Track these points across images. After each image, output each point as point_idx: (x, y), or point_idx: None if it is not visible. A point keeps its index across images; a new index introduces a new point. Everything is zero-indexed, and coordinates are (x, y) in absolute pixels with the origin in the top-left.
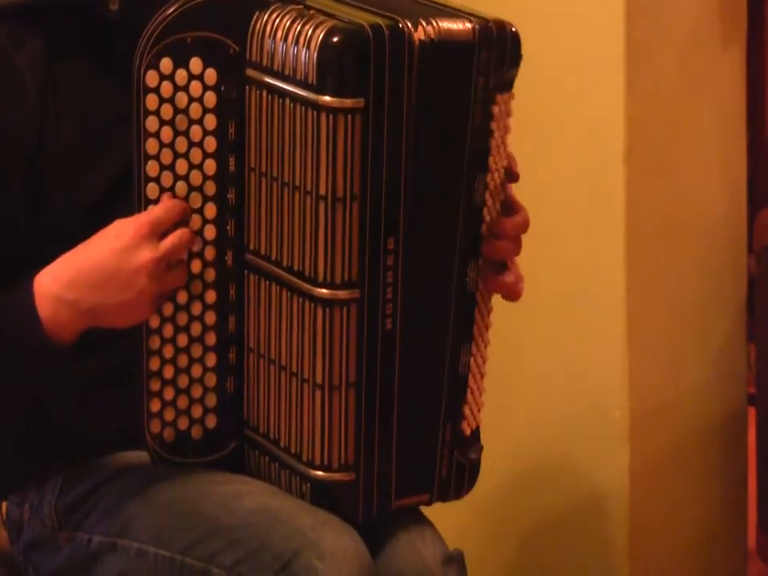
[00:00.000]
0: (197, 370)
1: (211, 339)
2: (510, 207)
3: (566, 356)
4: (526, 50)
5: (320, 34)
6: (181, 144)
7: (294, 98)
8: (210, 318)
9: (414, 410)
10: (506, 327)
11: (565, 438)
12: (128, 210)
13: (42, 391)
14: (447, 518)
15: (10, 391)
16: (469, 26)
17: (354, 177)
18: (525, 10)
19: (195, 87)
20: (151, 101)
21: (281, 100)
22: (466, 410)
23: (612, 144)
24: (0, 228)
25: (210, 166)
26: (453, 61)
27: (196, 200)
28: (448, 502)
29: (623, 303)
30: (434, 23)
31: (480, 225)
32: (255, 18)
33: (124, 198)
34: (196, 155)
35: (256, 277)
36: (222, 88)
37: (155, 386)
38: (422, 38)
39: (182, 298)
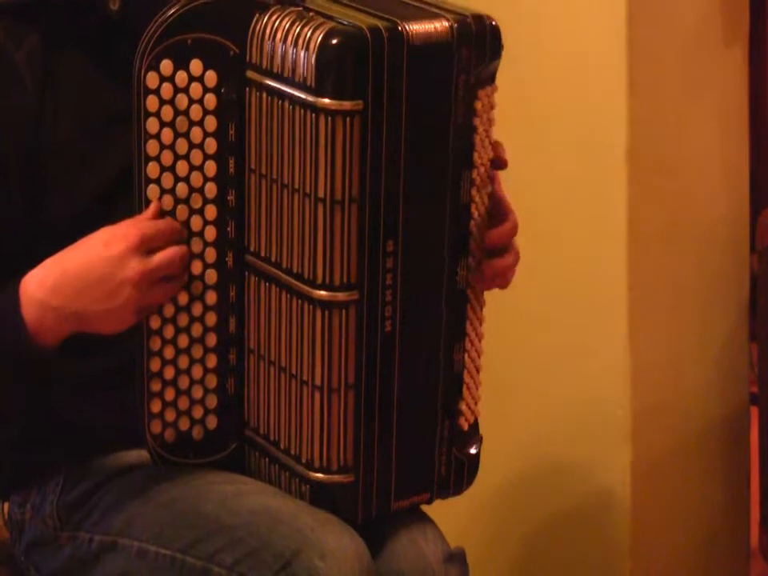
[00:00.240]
0: (197, 371)
1: (212, 340)
2: (499, 213)
3: (568, 355)
4: (528, 49)
5: (319, 36)
6: (181, 146)
7: (293, 100)
8: (211, 319)
9: (412, 410)
10: (507, 327)
11: (566, 436)
12: (125, 211)
13: (30, 392)
14: (448, 517)
15: (8, 377)
16: (446, 24)
17: (352, 179)
18: (527, 9)
19: (195, 89)
20: (151, 102)
21: (280, 102)
22: (463, 406)
23: (614, 143)
24: None
25: (211, 167)
26: (433, 61)
27: (196, 201)
28: (449, 499)
29: (625, 302)
30: (417, 23)
31: (468, 222)
32: (255, 20)
33: (121, 198)
34: (196, 157)
35: (256, 278)
36: (222, 90)
37: (156, 386)
38: (411, 39)
39: (183, 299)
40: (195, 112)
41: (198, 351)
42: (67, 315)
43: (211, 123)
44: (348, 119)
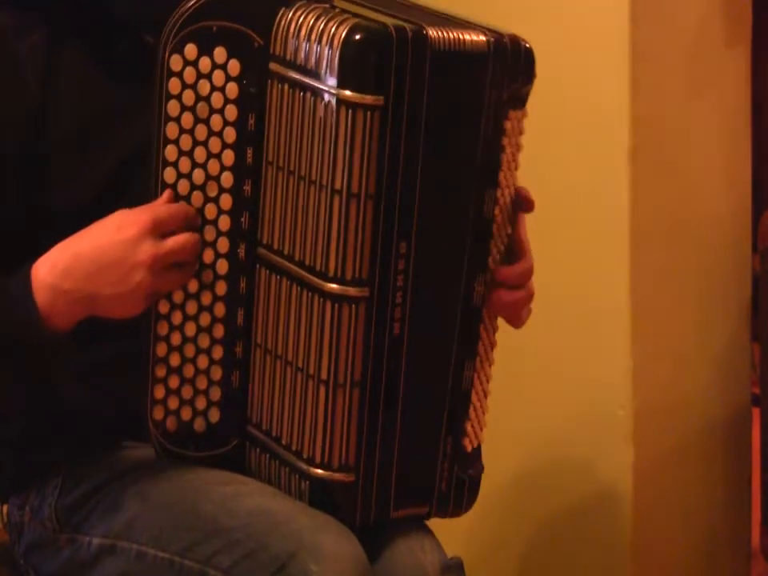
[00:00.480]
0: (203, 361)
1: (219, 331)
2: (515, 252)
3: (570, 355)
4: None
5: (343, 31)
6: (200, 132)
7: (315, 92)
8: (219, 309)
9: (416, 418)
10: (509, 327)
11: (569, 437)
12: (124, 206)
13: (40, 378)
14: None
15: (7, 378)
16: (483, 38)
17: (369, 174)
18: (530, 10)
19: (218, 76)
20: (174, 85)
21: (302, 94)
22: (468, 427)
23: (617, 144)
24: None
25: (228, 156)
26: (466, 70)
27: (212, 189)
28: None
29: (627, 302)
30: (450, 31)
31: (489, 239)
32: (281, 13)
33: (120, 192)
34: (215, 144)
35: (267, 272)
36: (245, 80)
37: (160, 372)
38: (438, 44)
39: (193, 286)
40: (216, 99)
41: (204, 341)
42: (79, 298)
43: (232, 112)
44: (369, 113)
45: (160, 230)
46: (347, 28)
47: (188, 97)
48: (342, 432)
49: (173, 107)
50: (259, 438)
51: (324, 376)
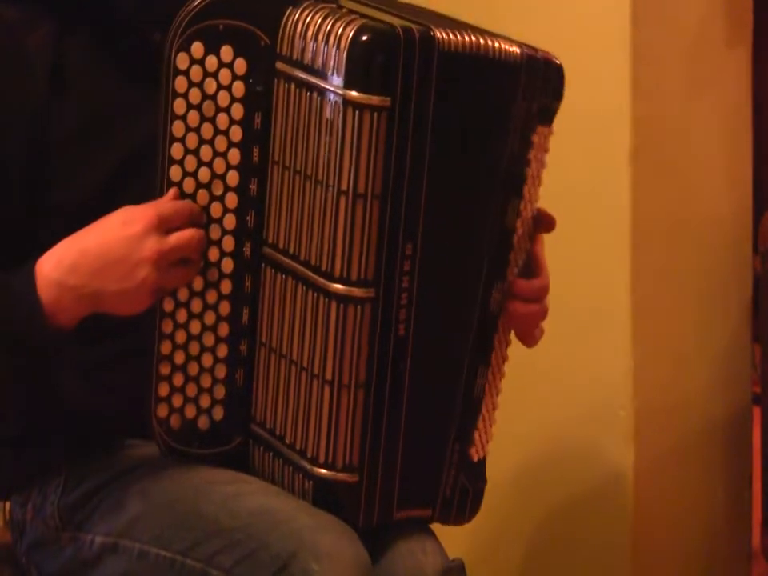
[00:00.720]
0: (207, 360)
1: (224, 330)
2: (532, 270)
3: (571, 355)
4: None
5: (351, 32)
6: (206, 130)
7: (322, 92)
8: (225, 308)
9: (423, 421)
10: None
11: (569, 437)
12: (126, 203)
13: (41, 376)
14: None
15: (9, 377)
16: (517, 49)
17: (376, 175)
18: (531, 10)
19: (224, 75)
20: (180, 83)
21: (308, 94)
22: (476, 436)
23: (618, 144)
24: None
25: (234, 155)
26: (497, 78)
27: (218, 188)
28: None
29: (628, 302)
30: (483, 38)
31: (509, 249)
32: (287, 13)
33: (123, 190)
34: (221, 143)
35: (272, 270)
36: (251, 79)
37: (165, 369)
38: (446, 46)
39: (198, 284)
40: (223, 98)
41: (209, 339)
42: (84, 295)
43: (238, 111)
44: (375, 114)
45: (165, 227)
46: (354, 29)
47: (194, 95)
48: (346, 432)
49: (179, 105)
50: (263, 436)
51: (329, 376)
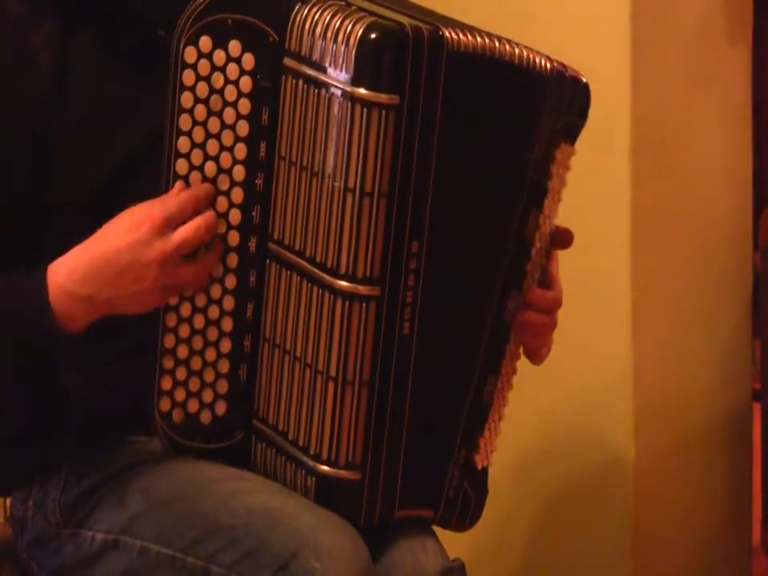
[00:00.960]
0: (211, 354)
1: (228, 325)
2: (546, 283)
3: (572, 351)
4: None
5: (359, 29)
6: (213, 124)
7: (330, 89)
8: (229, 303)
9: (427, 421)
10: None
11: (569, 432)
12: (130, 199)
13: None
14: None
15: (15, 377)
16: (548, 63)
17: (383, 173)
18: (530, 7)
19: (232, 69)
20: (188, 76)
21: (316, 90)
22: (481, 444)
23: (618, 141)
24: (2, 203)
25: (241, 150)
26: (521, 84)
27: (224, 183)
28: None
29: (628, 299)
30: (516, 46)
31: (527, 260)
32: (296, 9)
33: (126, 187)
34: (227, 138)
35: (277, 266)
36: (258, 74)
37: (168, 363)
38: (456, 45)
39: None
40: (230, 92)
41: (212, 334)
42: (96, 303)
43: (245, 106)
44: (383, 112)
45: (171, 224)
46: (363, 26)
47: (201, 89)
48: (349, 429)
49: (186, 98)
50: (266, 432)
51: (333, 373)
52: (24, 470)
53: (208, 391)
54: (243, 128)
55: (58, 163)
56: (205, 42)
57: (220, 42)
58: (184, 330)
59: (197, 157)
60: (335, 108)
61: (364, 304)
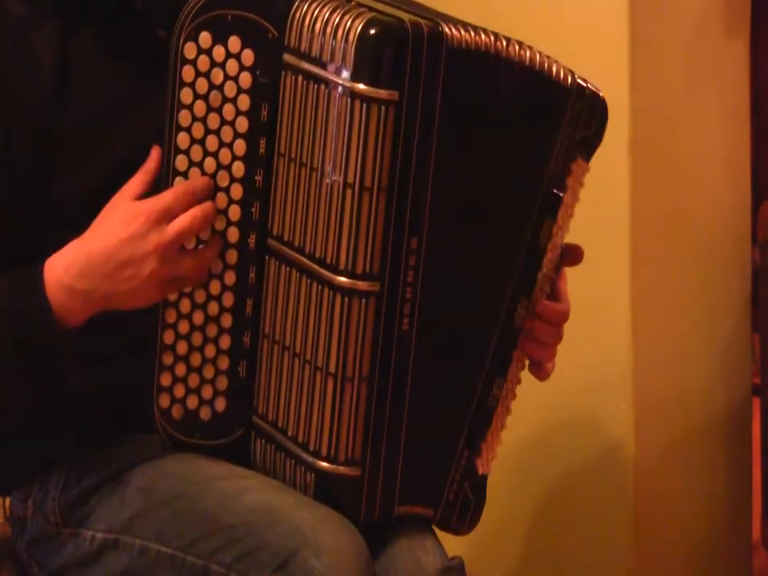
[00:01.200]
0: (210, 350)
1: (227, 321)
2: (554, 297)
3: (571, 348)
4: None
5: (359, 25)
6: (213, 120)
7: (329, 84)
8: (228, 299)
9: (428, 418)
10: None
11: (570, 429)
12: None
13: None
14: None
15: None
16: (569, 75)
17: (383, 168)
18: (529, 3)
19: (232, 65)
20: (187, 72)
21: (316, 86)
22: (484, 448)
23: (616, 136)
24: (2, 203)
25: (240, 146)
26: (541, 91)
27: (223, 179)
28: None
29: (628, 295)
30: (536, 53)
31: (538, 269)
32: (296, 5)
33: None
34: (227, 133)
35: (277, 262)
36: (258, 70)
37: (167, 359)
38: (455, 42)
39: None
40: (229, 88)
41: (212, 330)
42: (95, 298)
43: (244, 102)
44: (383, 108)
45: (167, 217)
46: (363, 22)
47: (201, 85)
48: (348, 426)
49: (186, 95)
50: (265, 428)
51: (332, 369)
52: (24, 470)
53: (207, 387)
54: (243, 124)
55: (58, 163)
56: (204, 38)
57: (220, 38)
58: (183, 327)
59: (196, 153)
60: (335, 104)
61: (363, 300)
